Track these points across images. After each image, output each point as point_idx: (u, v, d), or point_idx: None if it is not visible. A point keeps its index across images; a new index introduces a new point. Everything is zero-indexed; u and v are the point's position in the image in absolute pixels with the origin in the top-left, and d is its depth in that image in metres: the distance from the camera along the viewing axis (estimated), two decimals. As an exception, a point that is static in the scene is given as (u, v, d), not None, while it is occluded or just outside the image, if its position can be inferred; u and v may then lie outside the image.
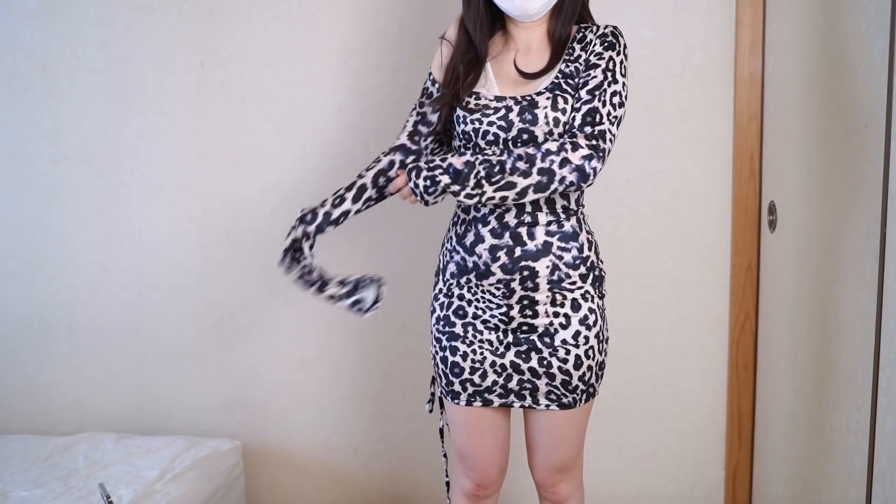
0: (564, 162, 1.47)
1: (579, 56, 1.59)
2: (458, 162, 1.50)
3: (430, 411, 1.80)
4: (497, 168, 1.48)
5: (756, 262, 2.24)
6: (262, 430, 2.48)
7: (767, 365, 2.17)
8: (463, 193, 1.50)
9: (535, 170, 1.47)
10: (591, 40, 1.60)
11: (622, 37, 1.60)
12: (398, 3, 2.28)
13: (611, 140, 1.51)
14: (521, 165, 1.48)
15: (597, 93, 1.53)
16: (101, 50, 2.38)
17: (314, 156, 2.36)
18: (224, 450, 2.31)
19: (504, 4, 1.59)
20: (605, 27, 1.61)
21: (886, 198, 1.41)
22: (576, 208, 1.62)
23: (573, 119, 1.53)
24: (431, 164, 1.52)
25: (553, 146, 1.48)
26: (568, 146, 1.48)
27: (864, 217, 1.51)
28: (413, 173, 1.54)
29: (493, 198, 1.50)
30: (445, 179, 1.51)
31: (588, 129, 1.50)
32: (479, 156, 1.51)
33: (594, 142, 1.48)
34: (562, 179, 1.48)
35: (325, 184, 2.36)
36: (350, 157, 2.34)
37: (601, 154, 1.49)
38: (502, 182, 1.48)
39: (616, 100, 1.53)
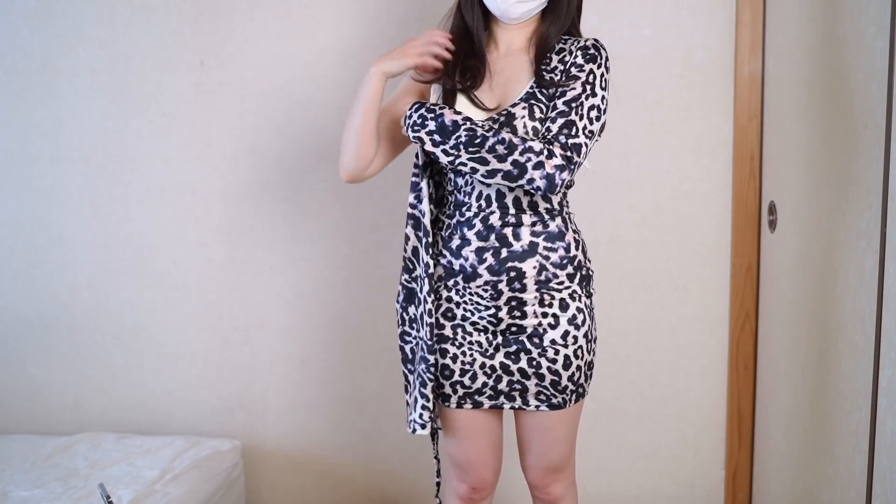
0: (539, 165, 1.48)
1: (556, 67, 1.59)
2: (448, 117, 1.52)
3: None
4: (478, 140, 1.49)
5: (756, 262, 2.24)
6: (262, 430, 2.48)
7: (767, 365, 2.17)
8: (440, 149, 1.52)
9: (510, 159, 1.48)
10: (572, 52, 1.59)
11: (604, 49, 1.60)
12: (398, 3, 2.28)
13: (584, 154, 1.52)
14: (500, 149, 1.49)
15: (574, 105, 1.53)
16: (101, 50, 2.38)
17: (314, 156, 2.36)
18: (224, 450, 2.31)
19: (489, 4, 1.61)
20: (587, 40, 1.61)
21: (886, 198, 1.41)
22: (559, 209, 1.62)
23: (549, 128, 1.53)
24: (431, 107, 1.54)
25: (537, 146, 1.49)
26: (545, 152, 1.49)
27: (864, 217, 1.51)
28: (415, 106, 1.55)
29: (465, 164, 1.51)
30: (431, 125, 1.52)
31: (563, 140, 1.50)
32: (469, 122, 1.52)
33: (569, 153, 1.50)
34: (531, 180, 1.48)
35: (326, 184, 2.37)
36: (350, 157, 2.34)
37: (573, 167, 1.50)
38: (477, 155, 1.49)
39: (593, 113, 1.54)
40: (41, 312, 2.51)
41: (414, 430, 1.67)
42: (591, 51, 1.58)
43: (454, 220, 1.63)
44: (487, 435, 1.72)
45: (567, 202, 1.65)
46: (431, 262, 1.63)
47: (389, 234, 2.36)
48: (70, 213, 2.46)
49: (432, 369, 1.66)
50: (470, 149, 1.49)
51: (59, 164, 2.44)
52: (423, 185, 1.64)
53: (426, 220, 1.63)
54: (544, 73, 1.59)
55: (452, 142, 1.50)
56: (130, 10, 2.36)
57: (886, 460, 1.40)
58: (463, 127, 1.51)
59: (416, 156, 1.65)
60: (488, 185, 1.59)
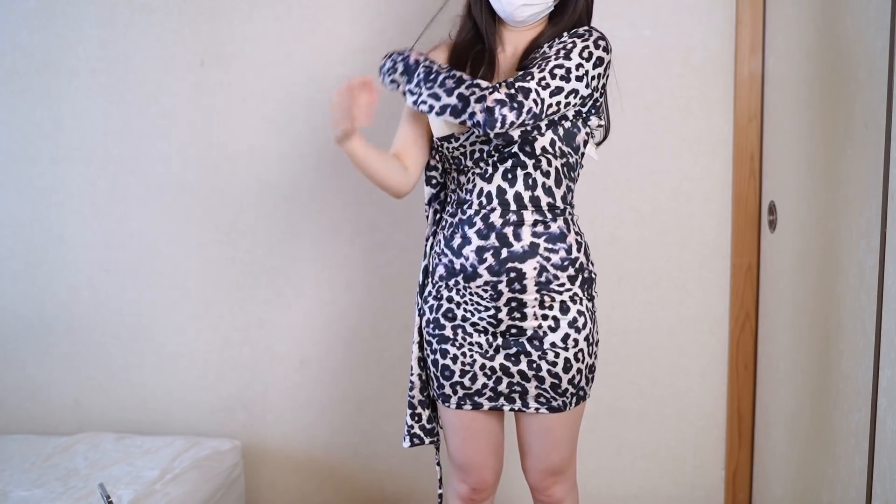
0: (481, 99, 1.47)
1: (544, 52, 1.58)
2: (412, 58, 1.57)
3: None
4: (433, 75, 1.53)
5: (756, 262, 2.24)
6: (262, 430, 2.48)
7: (767, 365, 2.17)
8: (407, 88, 1.56)
9: (456, 92, 1.49)
10: (562, 35, 1.59)
11: (598, 32, 1.58)
12: (398, 4, 2.28)
13: (535, 102, 1.48)
14: (449, 83, 1.51)
15: (540, 62, 1.53)
16: (101, 50, 2.38)
17: (314, 156, 2.36)
18: (224, 450, 2.31)
19: (495, 5, 1.61)
20: (582, 28, 1.61)
21: (886, 198, 1.41)
22: (563, 206, 1.61)
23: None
24: (400, 51, 1.60)
25: (484, 84, 1.50)
26: (490, 89, 1.48)
27: (864, 217, 1.51)
28: (386, 56, 1.61)
29: (425, 102, 1.53)
30: (400, 67, 1.57)
31: (512, 80, 1.50)
32: (428, 60, 1.57)
33: (512, 91, 1.47)
34: (472, 114, 1.48)
35: (326, 184, 2.37)
36: (350, 157, 2.34)
37: (516, 106, 1.46)
38: (431, 91, 1.52)
39: (559, 72, 1.51)
40: (41, 312, 2.51)
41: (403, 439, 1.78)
42: (581, 31, 1.58)
43: (456, 219, 1.63)
44: (488, 436, 1.72)
45: (571, 202, 1.65)
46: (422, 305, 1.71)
47: (389, 234, 2.36)
48: (70, 213, 2.46)
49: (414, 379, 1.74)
50: (426, 84, 1.52)
51: (59, 164, 2.44)
52: (430, 213, 1.74)
53: (427, 246, 1.73)
54: (532, 60, 1.58)
55: (414, 80, 1.55)
56: (130, 10, 2.36)
57: (886, 460, 1.40)
58: (422, 64, 1.55)
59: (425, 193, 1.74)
60: (488, 182, 1.59)
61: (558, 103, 1.51)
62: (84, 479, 2.12)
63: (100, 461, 2.24)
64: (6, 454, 2.30)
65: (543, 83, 1.49)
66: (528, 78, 1.49)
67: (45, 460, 2.26)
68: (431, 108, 1.52)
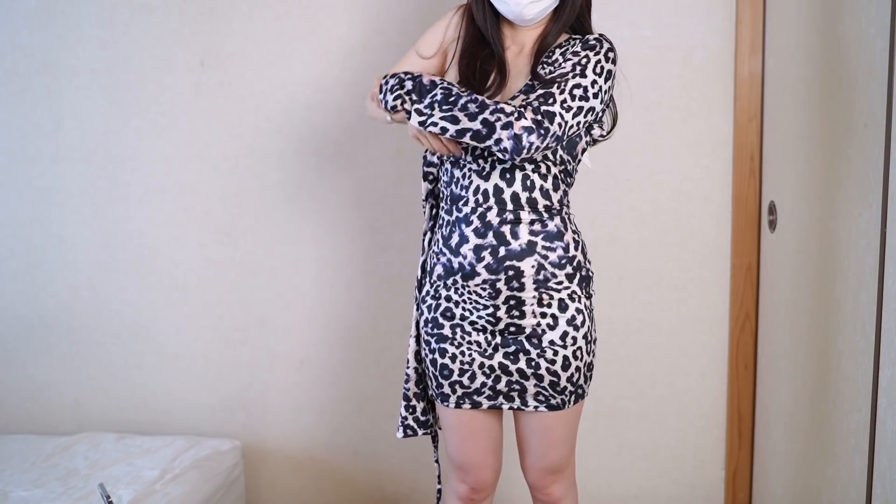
0: (507, 125, 1.46)
1: (556, 60, 1.58)
2: (426, 78, 1.54)
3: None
4: (452, 98, 1.50)
5: (756, 262, 2.24)
6: (262, 430, 2.48)
7: (767, 365, 2.17)
8: (415, 108, 1.52)
9: (480, 118, 1.48)
10: (573, 43, 1.60)
11: (607, 42, 1.59)
12: (398, 4, 2.28)
13: (559, 125, 1.49)
14: (472, 107, 1.49)
15: (559, 80, 1.52)
16: (101, 50, 2.38)
17: (314, 156, 2.36)
18: (224, 450, 2.31)
19: (501, 7, 1.60)
20: (593, 35, 1.61)
21: (886, 198, 1.41)
22: (559, 207, 1.61)
23: (527, 98, 1.53)
24: (406, 72, 1.57)
25: (508, 108, 1.49)
26: (516, 113, 1.48)
27: (864, 217, 1.51)
28: (388, 75, 1.58)
29: (436, 123, 1.50)
30: (409, 85, 1.54)
31: (536, 104, 1.49)
32: (445, 82, 1.54)
33: (539, 117, 1.47)
34: (498, 140, 1.47)
35: (326, 184, 2.37)
36: (350, 156, 2.35)
37: (543, 132, 1.47)
38: (449, 113, 1.49)
39: (577, 92, 1.51)
40: (41, 312, 2.51)
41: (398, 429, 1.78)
42: (592, 41, 1.58)
43: (452, 217, 1.63)
44: (487, 435, 1.72)
45: (567, 202, 1.65)
46: (420, 305, 1.72)
47: (389, 234, 2.36)
48: (70, 213, 2.46)
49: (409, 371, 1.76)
50: (444, 107, 1.50)
51: (59, 164, 2.44)
52: (427, 208, 1.74)
53: (425, 242, 1.73)
54: (544, 65, 1.59)
55: (427, 100, 1.51)
56: (130, 10, 2.36)
57: (886, 460, 1.40)
58: (440, 86, 1.52)
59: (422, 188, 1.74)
60: (485, 179, 1.58)
61: (578, 123, 1.53)
62: (84, 479, 2.12)
63: (100, 461, 2.24)
64: (6, 454, 2.30)
65: (566, 105, 1.50)
66: (551, 101, 1.49)
67: (45, 460, 2.26)
68: (445, 130, 1.50)
